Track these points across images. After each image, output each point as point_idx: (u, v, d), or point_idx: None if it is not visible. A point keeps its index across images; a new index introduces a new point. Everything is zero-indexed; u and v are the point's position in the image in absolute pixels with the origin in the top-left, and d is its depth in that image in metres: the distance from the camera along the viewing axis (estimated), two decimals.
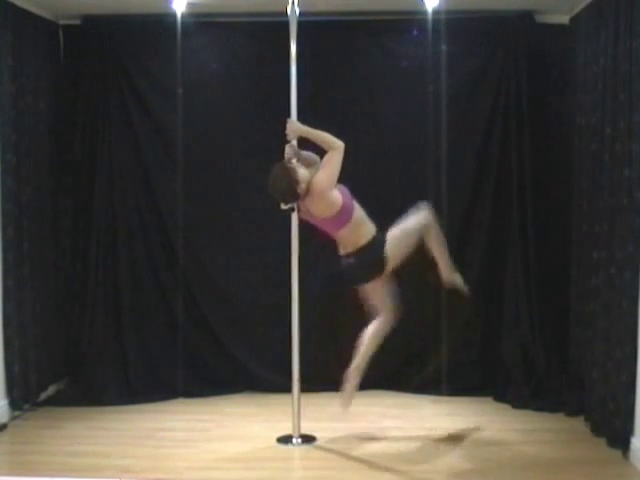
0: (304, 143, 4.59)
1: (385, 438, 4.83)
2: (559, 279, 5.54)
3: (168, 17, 5.39)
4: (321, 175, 4.36)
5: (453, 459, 4.49)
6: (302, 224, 4.67)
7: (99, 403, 5.46)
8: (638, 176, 4.26)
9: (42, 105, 5.45)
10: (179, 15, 5.33)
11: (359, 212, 4.52)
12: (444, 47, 5.52)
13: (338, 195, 4.41)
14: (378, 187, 5.73)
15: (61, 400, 5.52)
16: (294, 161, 4.48)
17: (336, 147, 4.38)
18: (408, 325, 5.76)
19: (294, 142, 4.52)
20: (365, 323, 5.80)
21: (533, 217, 5.55)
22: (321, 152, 4.51)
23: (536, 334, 5.52)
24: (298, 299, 4.73)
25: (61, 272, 5.71)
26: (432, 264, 4.73)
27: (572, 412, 5.14)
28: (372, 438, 4.83)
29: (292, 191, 4.34)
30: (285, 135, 4.54)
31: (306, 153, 4.58)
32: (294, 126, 4.52)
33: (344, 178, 4.55)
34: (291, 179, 4.31)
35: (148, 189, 5.78)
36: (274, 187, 4.38)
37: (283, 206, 4.55)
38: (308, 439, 4.74)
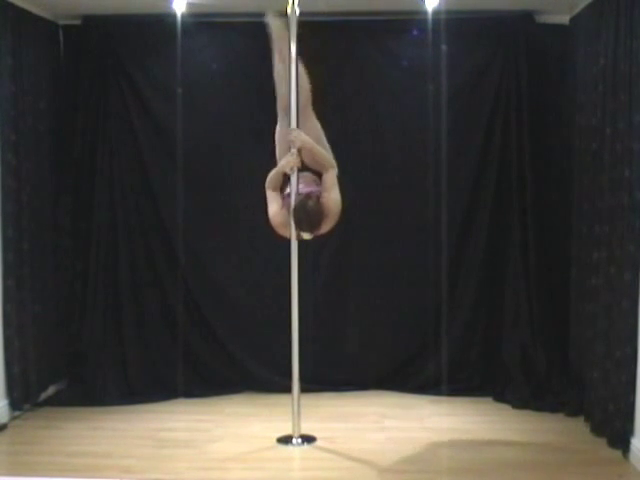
0: None
1: (385, 438, 4.83)
2: (559, 279, 5.54)
3: (168, 17, 5.39)
4: (336, 197, 4.34)
5: (453, 459, 4.49)
6: None
7: (99, 403, 5.46)
8: (638, 176, 4.26)
9: (42, 105, 5.45)
10: (179, 15, 5.34)
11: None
12: (444, 47, 5.52)
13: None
14: (378, 186, 5.73)
15: (61, 400, 5.52)
16: (295, 169, 4.47)
17: (334, 166, 4.42)
18: (408, 325, 5.80)
19: (294, 150, 4.49)
20: (365, 323, 5.84)
21: (533, 217, 5.55)
22: None
23: (536, 334, 5.52)
24: (298, 299, 4.73)
25: (61, 272, 5.71)
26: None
27: (572, 412, 5.14)
28: (372, 438, 4.83)
29: (321, 223, 4.32)
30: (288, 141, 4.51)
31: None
32: (301, 137, 4.47)
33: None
34: (323, 211, 4.28)
35: (148, 189, 5.77)
36: (307, 223, 4.32)
37: (307, 236, 4.51)
38: (308, 439, 4.74)
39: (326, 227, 4.39)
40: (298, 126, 4.49)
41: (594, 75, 4.84)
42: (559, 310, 5.52)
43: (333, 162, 4.43)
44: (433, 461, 4.47)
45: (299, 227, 4.36)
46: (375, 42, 5.69)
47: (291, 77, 4.54)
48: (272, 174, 4.52)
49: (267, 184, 4.52)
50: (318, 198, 4.29)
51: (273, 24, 4.50)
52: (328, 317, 5.80)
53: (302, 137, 4.45)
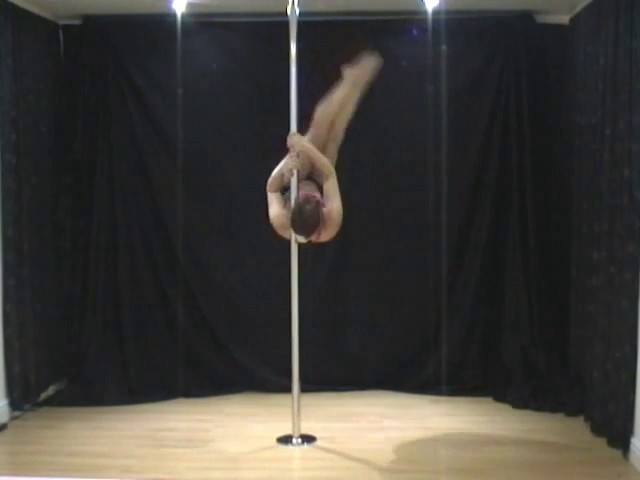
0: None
1: (385, 438, 4.83)
2: (559, 279, 5.54)
3: (168, 17, 5.39)
4: (338, 206, 4.31)
5: (453, 459, 4.49)
6: None
7: (99, 403, 5.46)
8: (638, 176, 4.26)
9: (42, 105, 5.45)
10: (179, 15, 5.34)
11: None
12: (444, 47, 5.52)
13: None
14: (378, 186, 5.73)
15: (61, 400, 5.51)
16: (294, 171, 4.47)
17: (333, 173, 4.40)
18: (408, 325, 5.81)
19: (294, 153, 4.48)
20: (365, 323, 5.84)
21: (533, 217, 5.55)
22: None
23: (536, 334, 5.53)
24: (298, 299, 4.73)
25: (61, 272, 5.71)
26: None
27: (572, 412, 5.14)
28: (372, 438, 4.83)
29: (318, 227, 4.29)
30: (288, 146, 4.50)
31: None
32: (301, 141, 4.46)
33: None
34: (320, 216, 4.25)
35: (148, 189, 5.78)
36: (302, 226, 4.28)
37: (303, 240, 4.49)
38: (308, 439, 4.74)
39: (327, 235, 4.36)
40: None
41: (594, 75, 4.84)
42: (559, 310, 5.52)
43: (332, 168, 4.41)
44: (433, 461, 4.47)
45: (294, 229, 4.36)
46: (375, 42, 5.68)
47: (291, 77, 4.55)
48: (273, 176, 4.52)
49: (268, 186, 4.52)
50: (318, 202, 4.27)
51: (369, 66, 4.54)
52: (328, 317, 5.80)
53: (302, 142, 4.45)
